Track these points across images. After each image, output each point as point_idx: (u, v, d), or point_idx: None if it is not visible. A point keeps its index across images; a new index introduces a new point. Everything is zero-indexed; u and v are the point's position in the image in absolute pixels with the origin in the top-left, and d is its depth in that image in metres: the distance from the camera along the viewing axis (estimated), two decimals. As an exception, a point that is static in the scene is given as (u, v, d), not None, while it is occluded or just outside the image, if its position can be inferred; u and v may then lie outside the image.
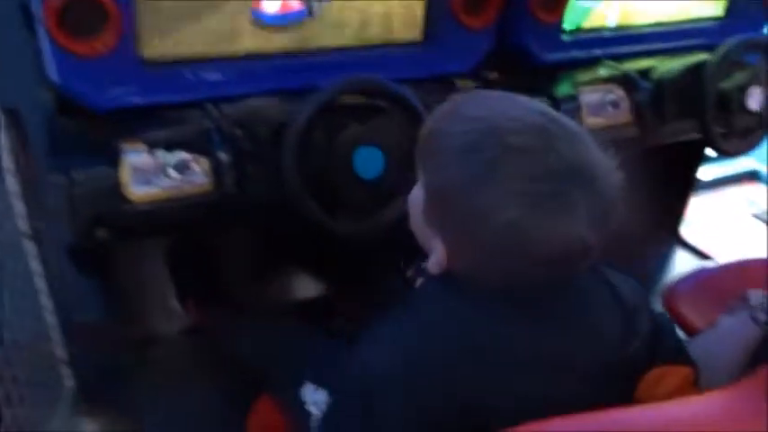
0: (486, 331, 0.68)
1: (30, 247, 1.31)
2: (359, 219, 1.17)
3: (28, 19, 1.08)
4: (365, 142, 1.10)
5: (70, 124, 1.13)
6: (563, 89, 1.48)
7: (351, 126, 1.13)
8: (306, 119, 1.09)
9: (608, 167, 0.69)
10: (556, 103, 1.43)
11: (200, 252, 1.39)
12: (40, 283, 1.34)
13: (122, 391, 1.46)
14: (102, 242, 1.08)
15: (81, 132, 1.12)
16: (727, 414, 0.65)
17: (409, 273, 1.03)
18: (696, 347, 0.83)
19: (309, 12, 1.28)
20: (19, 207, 1.27)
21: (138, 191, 1.07)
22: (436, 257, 0.73)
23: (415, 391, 0.67)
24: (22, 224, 1.29)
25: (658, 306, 1.27)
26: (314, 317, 1.40)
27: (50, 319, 1.37)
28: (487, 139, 0.67)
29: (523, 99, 0.74)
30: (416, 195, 0.77)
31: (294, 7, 1.27)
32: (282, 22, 1.28)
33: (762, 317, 0.81)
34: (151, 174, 1.08)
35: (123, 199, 1.06)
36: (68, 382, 1.44)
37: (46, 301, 1.36)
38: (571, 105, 1.44)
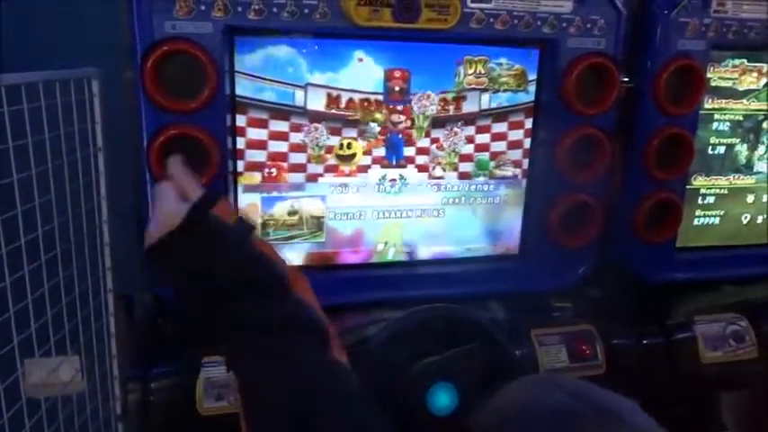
0: None
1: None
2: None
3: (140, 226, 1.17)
4: (440, 378, 1.05)
5: (162, 328, 1.18)
6: (675, 316, 1.34)
7: (427, 355, 1.08)
8: (380, 344, 1.06)
9: None
10: (667, 331, 1.30)
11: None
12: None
13: None
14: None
15: (168, 338, 1.17)
16: None
17: None
18: None
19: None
20: (117, 391, 1.32)
21: (209, 405, 1.08)
22: None
23: None
24: (118, 407, 1.34)
25: None
26: None
27: None
28: (506, 426, 0.62)
29: (567, 380, 0.66)
30: None
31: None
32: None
33: None
34: (223, 388, 1.09)
35: (194, 414, 1.07)
36: None
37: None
38: (684, 335, 1.30)
